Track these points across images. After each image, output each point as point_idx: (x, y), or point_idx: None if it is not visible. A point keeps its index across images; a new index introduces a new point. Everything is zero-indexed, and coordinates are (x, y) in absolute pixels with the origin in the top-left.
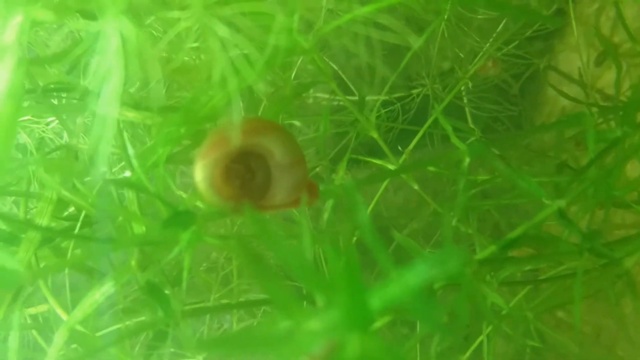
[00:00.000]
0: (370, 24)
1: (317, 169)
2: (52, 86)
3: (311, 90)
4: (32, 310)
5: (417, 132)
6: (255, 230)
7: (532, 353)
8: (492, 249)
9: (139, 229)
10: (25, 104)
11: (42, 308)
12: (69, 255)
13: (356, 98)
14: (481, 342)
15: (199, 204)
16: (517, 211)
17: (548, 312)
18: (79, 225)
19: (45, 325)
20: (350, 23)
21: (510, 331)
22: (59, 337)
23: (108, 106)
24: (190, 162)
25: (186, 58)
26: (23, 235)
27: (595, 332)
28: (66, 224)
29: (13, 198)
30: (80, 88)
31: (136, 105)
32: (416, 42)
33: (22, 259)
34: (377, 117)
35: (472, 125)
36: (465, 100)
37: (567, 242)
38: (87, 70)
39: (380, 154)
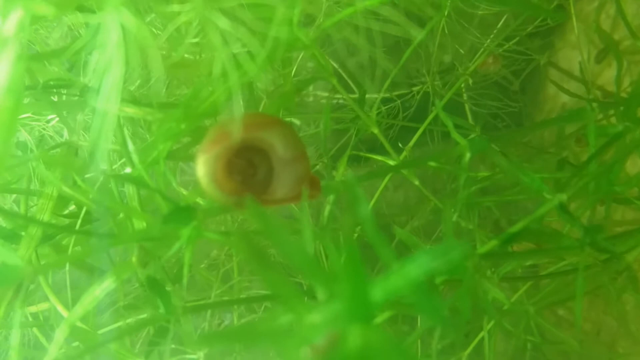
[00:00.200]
0: (371, 16)
1: (318, 167)
2: (52, 83)
3: (311, 88)
4: (33, 309)
5: (417, 129)
6: (257, 224)
7: (532, 350)
8: (493, 243)
9: (139, 225)
10: (26, 100)
11: (43, 306)
12: (69, 252)
13: (356, 96)
14: (482, 340)
15: (199, 200)
16: (517, 209)
17: (549, 310)
18: (79, 222)
19: (46, 324)
20: (352, 15)
21: (511, 327)
22: (60, 333)
23: (108, 100)
24: (190, 159)
25: (187, 55)
26: (23, 233)
27: (596, 329)
28: (67, 221)
29: (14, 197)
30: (80, 85)
31: (136, 101)
32: (417, 34)
33: (22, 256)
34: (378, 114)
35: (472, 123)
36: (465, 97)
37: (569, 237)
38: (87, 67)
39: (380, 152)
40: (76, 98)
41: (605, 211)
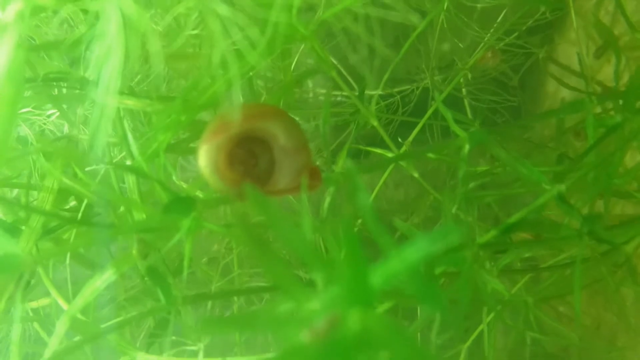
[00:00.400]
0: (370, 6)
1: (318, 162)
2: (52, 76)
3: (310, 85)
4: (34, 304)
5: (416, 126)
6: (258, 213)
7: (532, 345)
8: (492, 233)
9: (139, 216)
10: (27, 93)
11: (44, 301)
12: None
13: (356, 93)
14: (481, 334)
15: (199, 193)
16: (517, 205)
17: (548, 305)
18: (80, 216)
19: (47, 320)
20: (352, 5)
21: (511, 321)
22: (61, 325)
23: (107, 89)
24: (190, 153)
25: (188, 49)
26: (24, 227)
27: (595, 324)
28: (67, 215)
29: (15, 193)
30: (80, 78)
31: (135, 93)
32: (417, 21)
33: (23, 249)
34: (377, 110)
35: (471, 118)
36: (464, 92)
37: (567, 227)
38: (88, 61)
39: (380, 148)
40: (76, 92)
41: (604, 204)
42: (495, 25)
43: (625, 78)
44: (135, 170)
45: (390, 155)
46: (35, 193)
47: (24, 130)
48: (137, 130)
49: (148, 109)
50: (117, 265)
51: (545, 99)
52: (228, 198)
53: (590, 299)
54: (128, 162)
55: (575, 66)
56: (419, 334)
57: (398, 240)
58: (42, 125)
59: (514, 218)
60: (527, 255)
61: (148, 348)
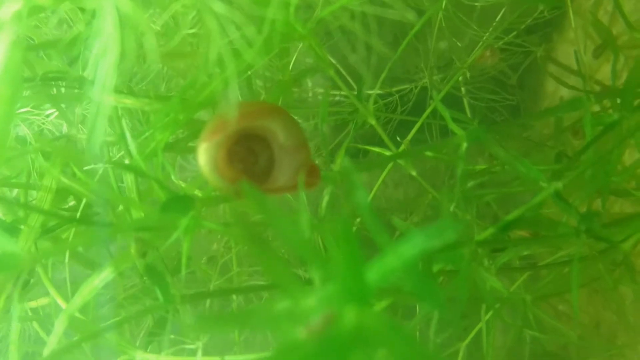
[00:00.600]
0: (368, 3)
1: (316, 162)
2: (50, 75)
3: (310, 85)
4: (33, 304)
5: (415, 124)
6: (256, 211)
7: (531, 344)
8: (490, 230)
9: (137, 215)
10: (26, 93)
11: (43, 301)
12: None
13: (355, 92)
14: (479, 333)
15: (197, 192)
16: (515, 204)
17: (548, 304)
18: (78, 215)
19: (46, 319)
20: (348, 2)
21: (509, 320)
22: (59, 324)
23: (104, 86)
24: (188, 152)
25: (186, 48)
26: (23, 227)
27: (594, 324)
28: (66, 214)
29: (14, 194)
30: (78, 77)
31: (134, 92)
32: (413, 18)
33: (22, 248)
34: (376, 110)
35: (470, 117)
36: (463, 91)
37: (565, 224)
38: (86, 61)
39: (379, 147)
40: (75, 91)
41: (602, 202)
42: (494, 24)
43: (624, 77)
44: (133, 169)
45: (388, 153)
46: (34, 192)
47: (23, 130)
48: (136, 130)
49: (146, 107)
50: (115, 264)
51: (544, 98)
52: (227, 196)
53: (590, 297)
54: (126, 161)
55: (574, 65)
56: (417, 333)
57: (397, 240)
58: (41, 125)
59: (511, 216)
60: (525, 253)
61: (147, 347)
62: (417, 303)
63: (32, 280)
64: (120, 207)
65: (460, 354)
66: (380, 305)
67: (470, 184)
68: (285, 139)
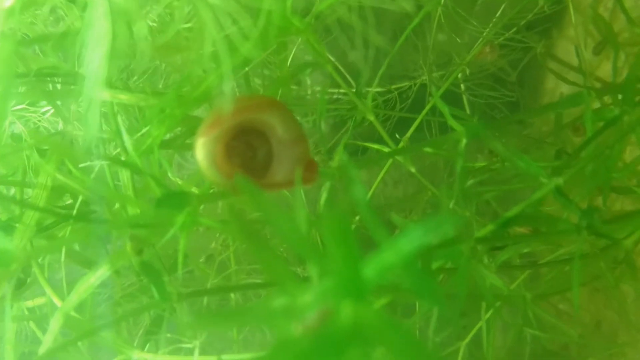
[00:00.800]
0: None
1: (316, 159)
2: (45, 71)
3: (308, 82)
4: (29, 303)
5: (414, 122)
6: (253, 205)
7: (532, 343)
8: (490, 227)
9: (133, 211)
10: (21, 89)
11: (39, 301)
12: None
13: (353, 90)
14: (480, 331)
15: (194, 189)
16: (515, 201)
17: (548, 303)
18: (74, 212)
19: (43, 319)
20: None
21: (509, 318)
22: (55, 322)
23: (95, 79)
24: (185, 149)
25: (181, 42)
26: (18, 225)
27: (595, 322)
28: (62, 212)
29: (11, 192)
30: (73, 74)
31: (129, 88)
32: (413, 11)
33: (17, 245)
34: (375, 107)
35: (469, 113)
36: (462, 88)
37: (565, 221)
38: (82, 57)
39: (377, 144)
40: (71, 87)
41: (603, 198)
42: (493, 20)
43: (624, 75)
44: (129, 165)
45: (387, 150)
46: (29, 190)
47: (19, 127)
48: (132, 126)
49: (142, 103)
50: (111, 262)
51: (544, 94)
52: (225, 193)
53: (591, 296)
54: (122, 158)
55: (574, 62)
56: (417, 332)
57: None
58: (37, 122)
59: (511, 212)
60: (525, 250)
61: (144, 346)
62: (417, 301)
63: (28, 280)
64: (117, 205)
65: (461, 353)
66: (379, 302)
67: (469, 181)
68: (284, 132)
